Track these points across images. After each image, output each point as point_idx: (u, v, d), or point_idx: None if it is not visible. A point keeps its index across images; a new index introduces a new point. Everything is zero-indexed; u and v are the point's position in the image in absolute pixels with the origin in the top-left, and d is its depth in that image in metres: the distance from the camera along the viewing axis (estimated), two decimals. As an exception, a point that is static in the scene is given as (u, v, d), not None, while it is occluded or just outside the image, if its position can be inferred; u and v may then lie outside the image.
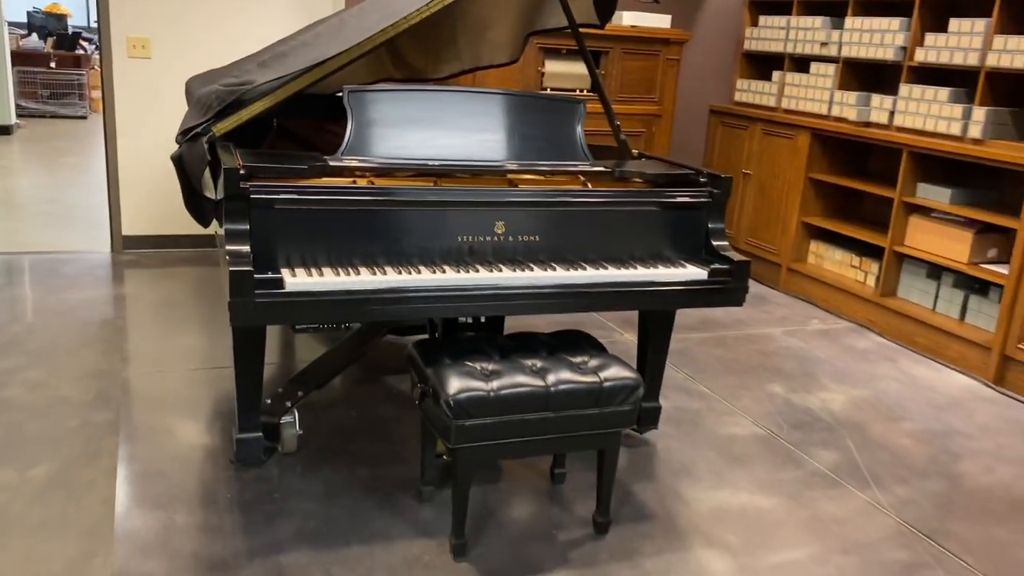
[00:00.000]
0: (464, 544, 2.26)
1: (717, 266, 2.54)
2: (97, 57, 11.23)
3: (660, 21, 4.80)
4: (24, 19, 11.59)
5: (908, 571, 2.34)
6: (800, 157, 4.78)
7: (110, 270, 4.53)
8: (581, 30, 2.99)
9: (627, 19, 4.73)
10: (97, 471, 2.55)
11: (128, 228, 4.82)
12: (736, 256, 2.58)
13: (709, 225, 2.63)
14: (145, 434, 2.79)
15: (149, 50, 4.59)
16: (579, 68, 4.59)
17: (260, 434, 2.53)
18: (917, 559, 2.40)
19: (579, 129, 2.70)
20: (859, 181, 4.60)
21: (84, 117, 10.45)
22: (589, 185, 2.59)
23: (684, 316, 4.37)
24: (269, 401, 2.70)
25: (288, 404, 2.72)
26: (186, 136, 2.55)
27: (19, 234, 5.10)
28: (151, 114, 4.67)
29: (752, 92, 5.26)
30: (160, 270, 4.57)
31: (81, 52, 10.67)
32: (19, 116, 9.31)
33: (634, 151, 3.02)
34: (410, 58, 3.65)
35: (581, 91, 4.64)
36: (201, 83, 3.30)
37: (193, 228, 4.92)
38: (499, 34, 3.34)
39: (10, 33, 9.63)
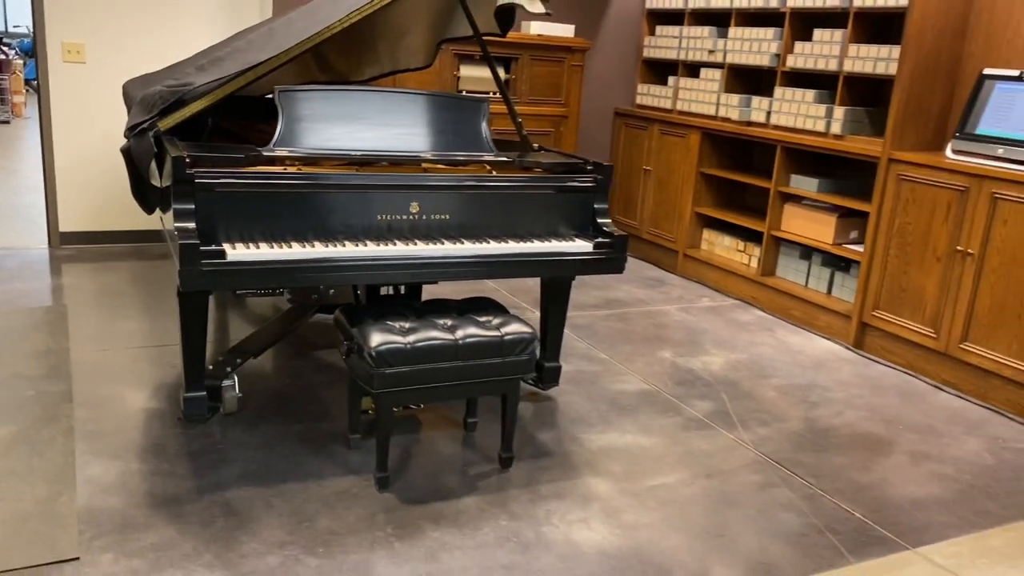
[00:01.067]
0: (387, 478, 2.65)
1: (601, 240, 2.98)
2: (19, 62, 11.22)
3: (564, 31, 5.26)
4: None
5: (759, 489, 2.81)
6: (692, 154, 5.29)
7: (49, 264, 4.76)
8: (486, 38, 3.41)
9: (535, 28, 5.17)
10: (56, 431, 2.85)
11: (65, 225, 5.05)
12: (616, 231, 3.02)
13: (595, 206, 3.07)
14: (97, 401, 3.09)
15: (84, 55, 4.84)
16: (488, 73, 5.01)
17: (204, 393, 2.86)
18: (768, 481, 2.87)
19: (484, 124, 3.11)
20: (743, 174, 5.13)
21: (7, 122, 10.44)
22: (492, 172, 3.00)
23: (589, 297, 4.83)
24: (211, 367, 3.04)
25: (228, 370, 3.06)
26: (133, 131, 2.87)
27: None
28: (86, 116, 4.91)
29: (651, 95, 5.76)
30: (98, 263, 4.82)
31: (2, 57, 10.65)
32: (-61, 121, 9.29)
33: (535, 145, 3.44)
34: (334, 62, 4.01)
35: (493, 93, 5.05)
36: (138, 86, 3.61)
37: (129, 224, 5.18)
38: (414, 41, 3.73)
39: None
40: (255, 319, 4.07)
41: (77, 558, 2.18)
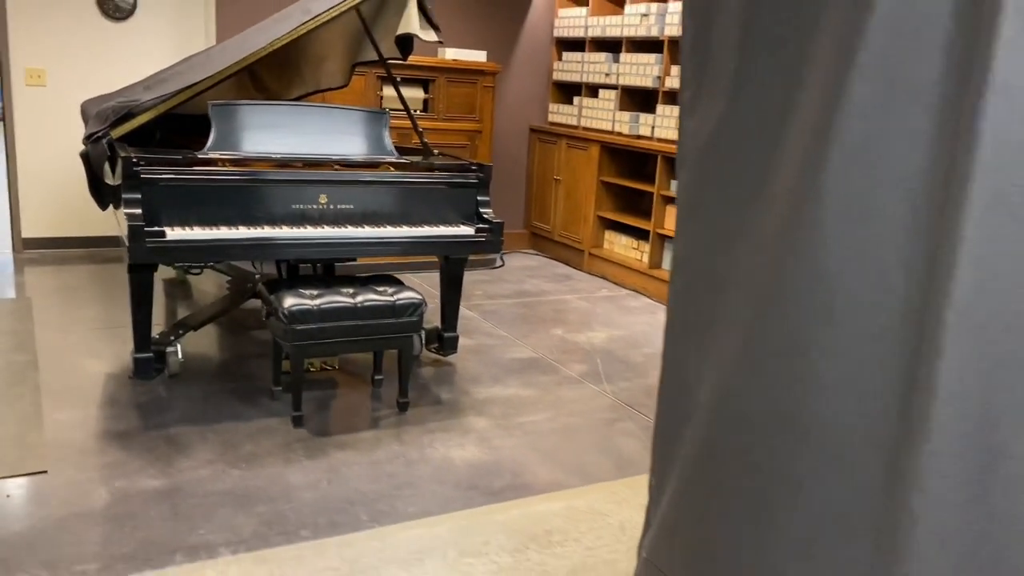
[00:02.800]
0: (300, 417, 3.25)
1: (481, 226, 3.63)
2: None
3: (477, 56, 5.93)
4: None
5: (608, 424, 3.46)
6: (593, 165, 5.98)
7: (13, 266, 5.29)
8: (401, 62, 4.07)
9: (450, 54, 5.84)
10: (24, 389, 3.41)
11: (28, 231, 5.58)
12: (495, 219, 3.67)
13: (478, 198, 3.72)
14: (59, 368, 3.65)
15: (45, 79, 5.40)
16: (412, 92, 5.66)
17: (151, 355, 3.44)
18: (617, 416, 3.53)
19: (386, 132, 3.76)
20: (636, 181, 5.83)
21: (-35, 146, 10.85)
22: (392, 170, 3.64)
23: (502, 288, 5.47)
24: (157, 336, 3.61)
25: (172, 339, 3.64)
26: (90, 139, 3.46)
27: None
28: (47, 134, 5.47)
29: (560, 114, 6.46)
30: (59, 265, 5.36)
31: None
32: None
33: (434, 151, 4.09)
34: (268, 83, 4.64)
35: (416, 111, 5.70)
36: (95, 104, 4.19)
37: (86, 230, 5.73)
38: (332, 65, 4.37)
39: None
40: (198, 305, 4.64)
41: (45, 471, 2.75)
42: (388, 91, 5.53)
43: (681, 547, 1.43)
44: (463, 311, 4.77)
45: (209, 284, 5.14)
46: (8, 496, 2.60)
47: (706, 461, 1.36)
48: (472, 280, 5.59)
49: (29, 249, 5.61)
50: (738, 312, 1.29)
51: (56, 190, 5.58)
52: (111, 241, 5.79)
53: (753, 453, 1.24)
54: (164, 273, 5.29)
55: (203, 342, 4.12)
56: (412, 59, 5.23)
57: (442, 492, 2.82)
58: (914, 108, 1.02)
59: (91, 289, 4.87)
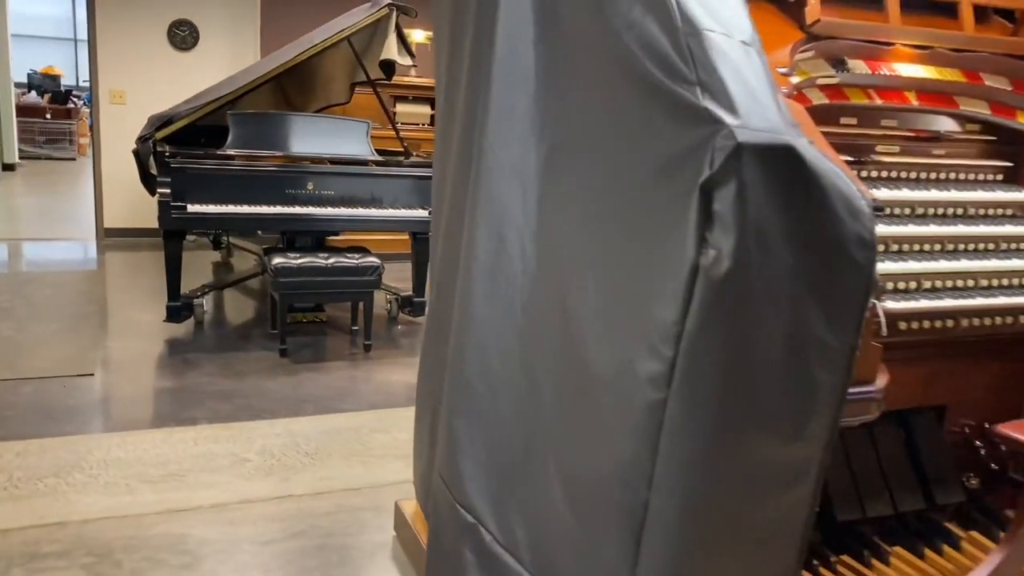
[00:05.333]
0: (285, 349, 4.26)
1: (435, 208, 4.60)
2: (86, 110, 13.33)
3: (482, 77, 6.92)
4: (24, 79, 13.71)
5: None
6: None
7: (96, 249, 6.54)
8: (379, 82, 5.10)
9: (457, 75, 6.85)
10: (89, 326, 4.53)
11: (109, 223, 6.83)
12: (447, 203, 4.63)
13: (436, 188, 4.69)
14: (117, 316, 4.78)
15: (125, 99, 6.66)
16: (421, 109, 6.69)
17: (180, 303, 4.51)
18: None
19: (367, 137, 4.77)
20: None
21: (73, 159, 12.51)
22: (371, 166, 4.65)
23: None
24: (188, 292, 4.70)
25: (200, 294, 4.72)
26: (140, 140, 4.59)
27: (25, 229, 7.10)
28: (126, 144, 6.70)
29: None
30: (131, 250, 6.58)
31: (72, 106, 12.76)
32: (20, 157, 11.35)
33: (412, 153, 5.07)
34: (292, 97, 5.73)
35: (423, 125, 6.72)
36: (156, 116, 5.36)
37: (152, 223, 6.94)
38: (338, 85, 5.43)
39: (15, 90, 11.72)
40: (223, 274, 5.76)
41: (92, 374, 3.84)
42: (401, 107, 6.57)
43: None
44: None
45: (248, 263, 6.26)
46: (64, 386, 3.69)
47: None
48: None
49: (109, 237, 6.86)
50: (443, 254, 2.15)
51: (131, 190, 6.82)
52: (175, 231, 6.99)
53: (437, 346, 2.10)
54: (213, 256, 6.46)
55: (229, 302, 5.20)
56: (422, 80, 6.29)
57: (375, 400, 3.77)
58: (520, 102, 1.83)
59: (152, 267, 6.04)
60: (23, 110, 12.21)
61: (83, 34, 16.91)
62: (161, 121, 4.51)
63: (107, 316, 4.77)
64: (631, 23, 1.32)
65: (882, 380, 1.45)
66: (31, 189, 9.79)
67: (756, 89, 1.23)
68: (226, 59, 6.83)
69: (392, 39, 4.82)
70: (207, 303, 4.75)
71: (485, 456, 1.74)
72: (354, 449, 3.20)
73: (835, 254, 1.22)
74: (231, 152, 4.46)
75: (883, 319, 1.42)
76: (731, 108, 1.19)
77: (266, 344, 4.44)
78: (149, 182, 4.79)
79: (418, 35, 6.38)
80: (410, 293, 5.01)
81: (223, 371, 3.99)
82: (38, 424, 3.24)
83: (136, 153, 4.69)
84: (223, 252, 6.34)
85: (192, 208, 4.18)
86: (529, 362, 1.62)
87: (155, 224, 7.01)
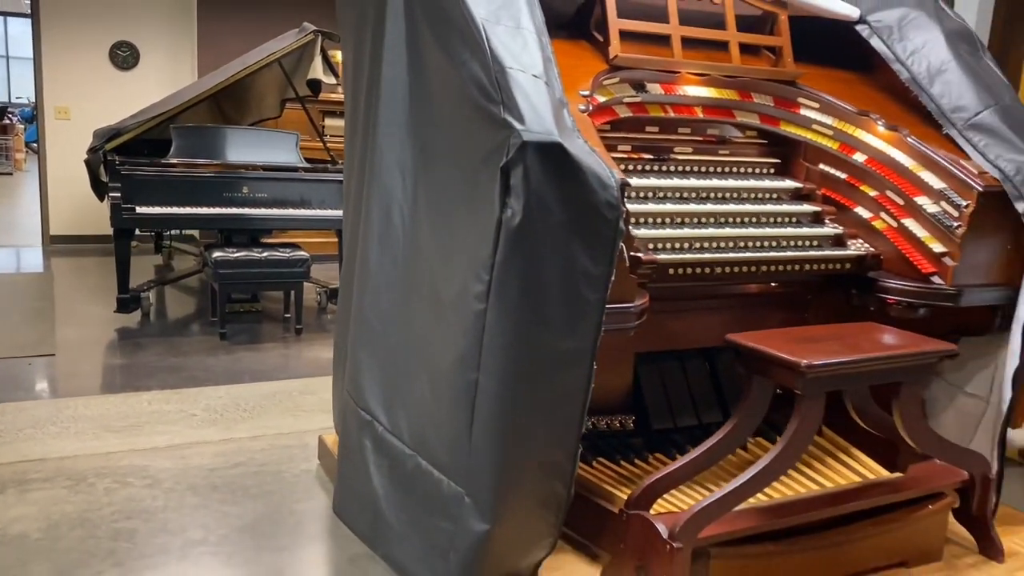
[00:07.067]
0: (225, 333, 4.84)
1: (358, 209, 5.24)
2: (20, 127, 13.59)
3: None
4: (-44, 95, 13.90)
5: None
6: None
7: (42, 254, 6.99)
8: (307, 99, 5.71)
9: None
10: (43, 318, 5.04)
11: (54, 230, 7.28)
12: (368, 205, 5.27)
13: (358, 191, 5.33)
14: (68, 309, 5.29)
15: (70, 114, 7.13)
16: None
17: (129, 296, 5.05)
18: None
19: (297, 146, 5.38)
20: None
21: (10, 173, 12.77)
22: (300, 172, 5.26)
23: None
24: (136, 286, 5.24)
25: (146, 288, 5.26)
26: (91, 151, 5.12)
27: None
28: (70, 156, 7.17)
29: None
30: (75, 255, 7.04)
31: (7, 122, 13.01)
32: (-44, 172, 11.61)
33: (338, 161, 5.69)
34: (228, 112, 6.30)
35: (351, 137, 7.33)
36: (101, 130, 5.88)
37: (98, 230, 7.40)
38: (269, 100, 6.03)
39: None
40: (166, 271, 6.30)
41: (54, 354, 4.37)
42: (330, 121, 7.18)
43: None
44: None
45: (188, 264, 6.79)
46: (30, 364, 4.21)
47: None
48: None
49: (55, 243, 7.31)
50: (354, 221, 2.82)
51: (76, 199, 7.29)
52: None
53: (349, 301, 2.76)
54: (155, 259, 6.97)
55: (173, 297, 5.74)
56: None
57: (306, 372, 4.38)
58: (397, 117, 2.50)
59: (98, 270, 6.54)
60: (-43, 126, 12.44)
61: (14, 50, 17.09)
62: (110, 134, 5.06)
63: (60, 310, 5.28)
64: (463, 62, 2.00)
65: (640, 300, 2.14)
66: (-30, 201, 10.12)
67: (538, 106, 1.91)
68: (165, 78, 7.36)
69: (318, 61, 5.45)
70: (152, 297, 5.29)
71: (379, 372, 2.39)
72: (286, 407, 3.81)
73: (591, 213, 1.90)
74: (175, 160, 5.04)
75: (627, 258, 2.10)
76: (521, 119, 1.86)
77: (207, 330, 5.01)
78: (99, 189, 5.32)
79: (341, 56, 7.00)
80: (337, 286, 5.62)
81: (170, 351, 4.55)
82: (11, 392, 3.78)
83: (88, 163, 5.22)
84: (164, 254, 6.87)
85: (140, 210, 4.74)
86: (407, 299, 2.28)
87: (99, 231, 7.52)
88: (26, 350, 4.39)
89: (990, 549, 2.49)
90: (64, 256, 7.01)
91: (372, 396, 2.39)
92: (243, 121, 6.30)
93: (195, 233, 7.23)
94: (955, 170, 2.53)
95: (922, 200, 2.59)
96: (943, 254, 2.53)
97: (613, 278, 1.95)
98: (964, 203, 2.50)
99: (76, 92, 7.13)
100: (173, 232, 6.90)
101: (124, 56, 7.22)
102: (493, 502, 1.98)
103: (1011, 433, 3.44)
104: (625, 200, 1.96)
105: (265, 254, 4.85)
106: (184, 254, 6.91)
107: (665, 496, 2.27)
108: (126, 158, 4.96)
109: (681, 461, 2.20)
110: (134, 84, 7.29)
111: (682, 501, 2.36)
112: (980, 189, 2.47)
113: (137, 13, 7.26)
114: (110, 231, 7.47)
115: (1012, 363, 2.57)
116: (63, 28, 7.05)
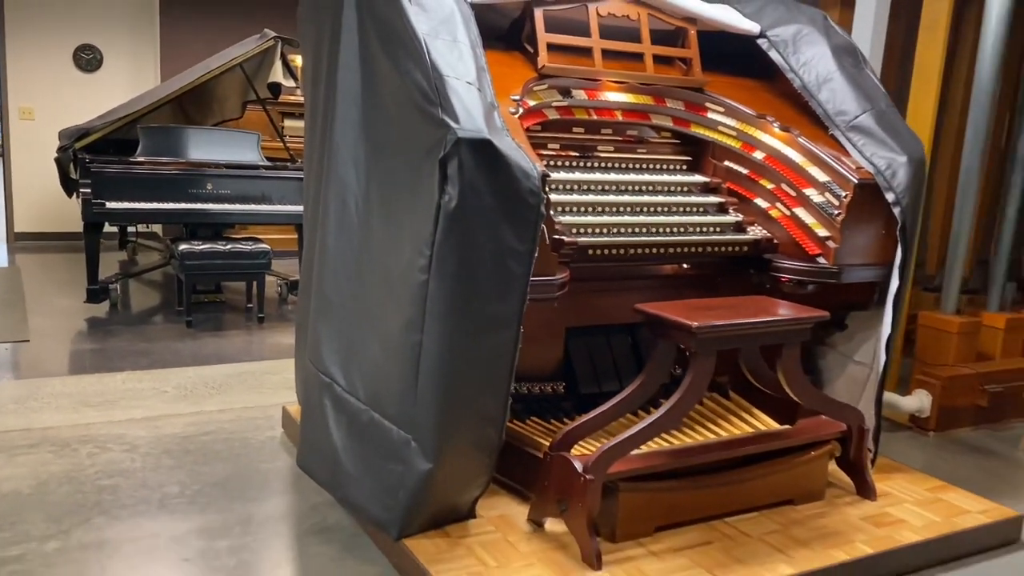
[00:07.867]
0: (191, 321, 5.13)
1: (317, 205, 5.56)
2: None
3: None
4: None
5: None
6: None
7: (7, 251, 7.18)
8: (267, 101, 6.01)
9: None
10: (14, 310, 5.28)
11: (19, 227, 7.48)
12: (327, 201, 5.60)
13: (317, 188, 5.65)
14: (38, 300, 5.53)
15: (34, 115, 7.33)
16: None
17: (98, 287, 5.31)
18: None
19: (258, 146, 5.69)
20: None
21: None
22: (261, 170, 5.56)
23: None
24: (104, 278, 5.50)
25: (114, 279, 5.52)
26: (61, 150, 5.37)
27: (-61, 236, 7.66)
28: (35, 156, 7.38)
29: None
30: (41, 252, 7.25)
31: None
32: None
33: (298, 160, 6.00)
34: (191, 113, 6.57)
35: (310, 137, 7.63)
36: (68, 130, 6.12)
37: (63, 227, 7.62)
38: (231, 103, 6.32)
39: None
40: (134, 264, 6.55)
41: (28, 340, 4.63)
42: (289, 122, 7.48)
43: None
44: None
45: (152, 257, 7.04)
46: (6, 349, 4.47)
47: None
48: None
49: (20, 240, 7.51)
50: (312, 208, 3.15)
51: (42, 197, 7.49)
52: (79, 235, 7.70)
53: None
54: (120, 255, 7.21)
55: (139, 290, 6.01)
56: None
57: (269, 355, 4.69)
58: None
59: (63, 266, 6.77)
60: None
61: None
62: (78, 134, 5.32)
63: (31, 302, 5.51)
64: (408, 70, 2.36)
65: (561, 275, 2.51)
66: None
67: (471, 109, 2.28)
68: (128, 80, 7.59)
69: (278, 65, 5.76)
70: (119, 289, 5.55)
71: (336, 340, 2.74)
72: (252, 385, 4.12)
73: (517, 199, 2.27)
74: (142, 159, 5.31)
75: (551, 239, 2.47)
76: (456, 119, 2.22)
77: (174, 319, 5.29)
78: (69, 186, 5.57)
79: (301, 60, 7.31)
80: (297, 279, 5.93)
81: (139, 337, 4.83)
82: (-9, 373, 4.04)
83: (58, 161, 5.47)
84: (128, 250, 7.10)
85: (110, 205, 5.02)
86: (361, 275, 2.63)
87: (63, 228, 7.72)
88: (2, 336, 4.64)
89: (865, 489, 2.89)
90: (29, 252, 7.21)
91: (331, 361, 2.73)
92: (206, 122, 6.57)
93: (158, 230, 7.48)
94: (837, 165, 2.95)
95: (810, 191, 3.00)
96: (827, 238, 2.94)
97: (536, 255, 2.32)
98: (844, 194, 2.91)
99: (40, 93, 7.33)
100: (138, 228, 7.14)
101: (88, 59, 7.44)
102: (435, 444, 2.33)
103: (902, 399, 3.91)
104: (548, 189, 2.33)
105: (229, 246, 5.15)
106: (148, 250, 7.15)
107: (582, 443, 2.65)
108: (95, 156, 5.22)
109: (596, 411, 2.58)
110: (98, 86, 7.51)
111: (598, 448, 2.74)
112: (856, 181, 2.88)
113: (101, 17, 7.49)
114: (74, 228, 7.71)
115: (885, 332, 2.99)
116: (27, 31, 7.26)
